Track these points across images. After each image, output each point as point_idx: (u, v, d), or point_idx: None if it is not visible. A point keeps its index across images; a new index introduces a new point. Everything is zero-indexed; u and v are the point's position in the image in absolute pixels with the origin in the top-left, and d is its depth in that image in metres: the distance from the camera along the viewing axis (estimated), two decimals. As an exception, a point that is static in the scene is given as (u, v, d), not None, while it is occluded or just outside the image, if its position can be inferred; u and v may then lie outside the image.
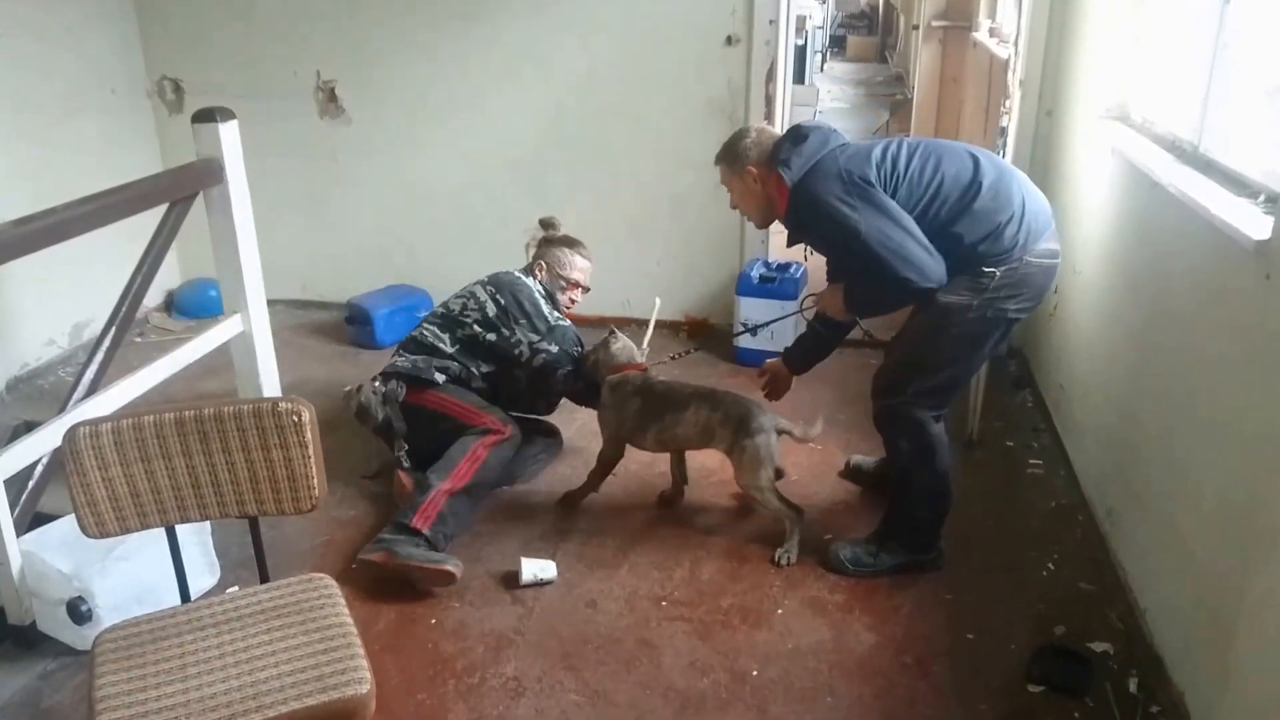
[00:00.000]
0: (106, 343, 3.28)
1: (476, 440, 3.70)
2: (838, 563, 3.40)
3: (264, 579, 2.38)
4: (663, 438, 3.65)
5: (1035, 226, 3.05)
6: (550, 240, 4.28)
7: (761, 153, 3.27)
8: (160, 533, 2.31)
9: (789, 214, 3.23)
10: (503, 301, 3.99)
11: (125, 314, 3.33)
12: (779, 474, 3.65)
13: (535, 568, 3.39)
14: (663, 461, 3.93)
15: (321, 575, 2.39)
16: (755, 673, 2.98)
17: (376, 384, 3.91)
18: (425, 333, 4.04)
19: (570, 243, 4.28)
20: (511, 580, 3.39)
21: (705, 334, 5.57)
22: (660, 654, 3.06)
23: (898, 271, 2.98)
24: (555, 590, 3.37)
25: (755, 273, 5.23)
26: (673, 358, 4.50)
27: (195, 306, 5.81)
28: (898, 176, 3.06)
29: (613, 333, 3.87)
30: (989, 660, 3.02)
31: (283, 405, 2.21)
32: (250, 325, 3.86)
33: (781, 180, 3.17)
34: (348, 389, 3.99)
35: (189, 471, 2.21)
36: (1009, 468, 4.13)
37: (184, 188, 3.53)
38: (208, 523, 3.24)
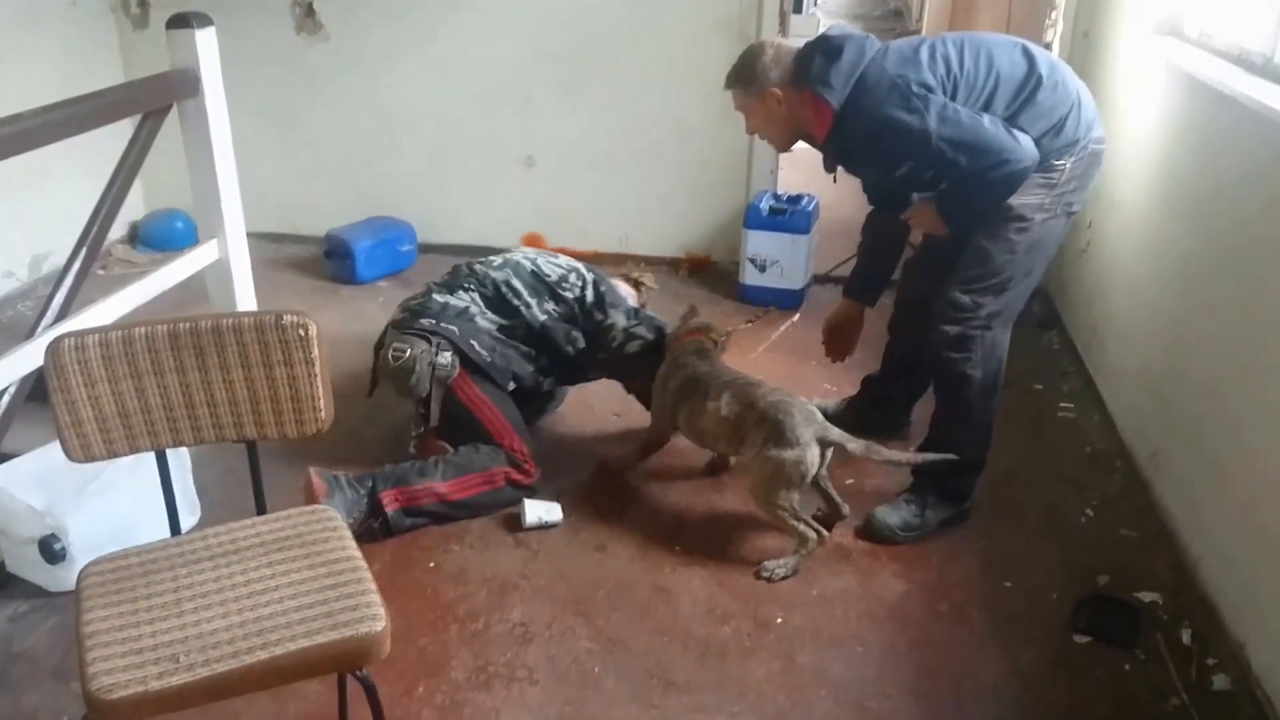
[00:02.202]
0: (77, 265, 3.15)
1: (503, 468, 3.39)
2: (886, 531, 3.22)
3: (261, 510, 2.29)
4: (693, 428, 3.37)
5: (1090, 113, 2.97)
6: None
7: (784, 71, 3.04)
8: (138, 467, 2.23)
9: (834, 138, 3.02)
10: (602, 288, 3.76)
11: (97, 234, 3.21)
12: (830, 516, 3.26)
13: (540, 510, 3.33)
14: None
15: (324, 507, 2.30)
16: (780, 620, 2.93)
17: (435, 352, 3.42)
18: (509, 290, 3.65)
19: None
20: (514, 523, 3.32)
21: (706, 272, 5.49)
22: (677, 600, 3.01)
23: (987, 161, 2.81)
24: (561, 534, 3.30)
25: (764, 205, 5.13)
26: (749, 322, 4.36)
27: (161, 239, 5.67)
28: (954, 77, 2.89)
29: (693, 308, 3.74)
30: (1030, 609, 2.98)
31: (288, 318, 2.11)
32: (227, 252, 3.73)
33: (820, 101, 2.95)
34: (396, 351, 3.42)
35: (183, 390, 2.11)
36: (1039, 411, 4.07)
37: (157, 99, 3.41)
38: (188, 459, 3.16)
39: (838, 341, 3.74)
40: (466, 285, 3.65)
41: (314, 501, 3.08)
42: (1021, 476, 3.57)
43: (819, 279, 5.27)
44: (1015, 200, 2.92)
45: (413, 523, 3.27)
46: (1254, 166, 2.86)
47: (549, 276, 3.71)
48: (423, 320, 3.48)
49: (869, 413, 3.80)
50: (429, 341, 3.42)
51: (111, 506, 2.90)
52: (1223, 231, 3.04)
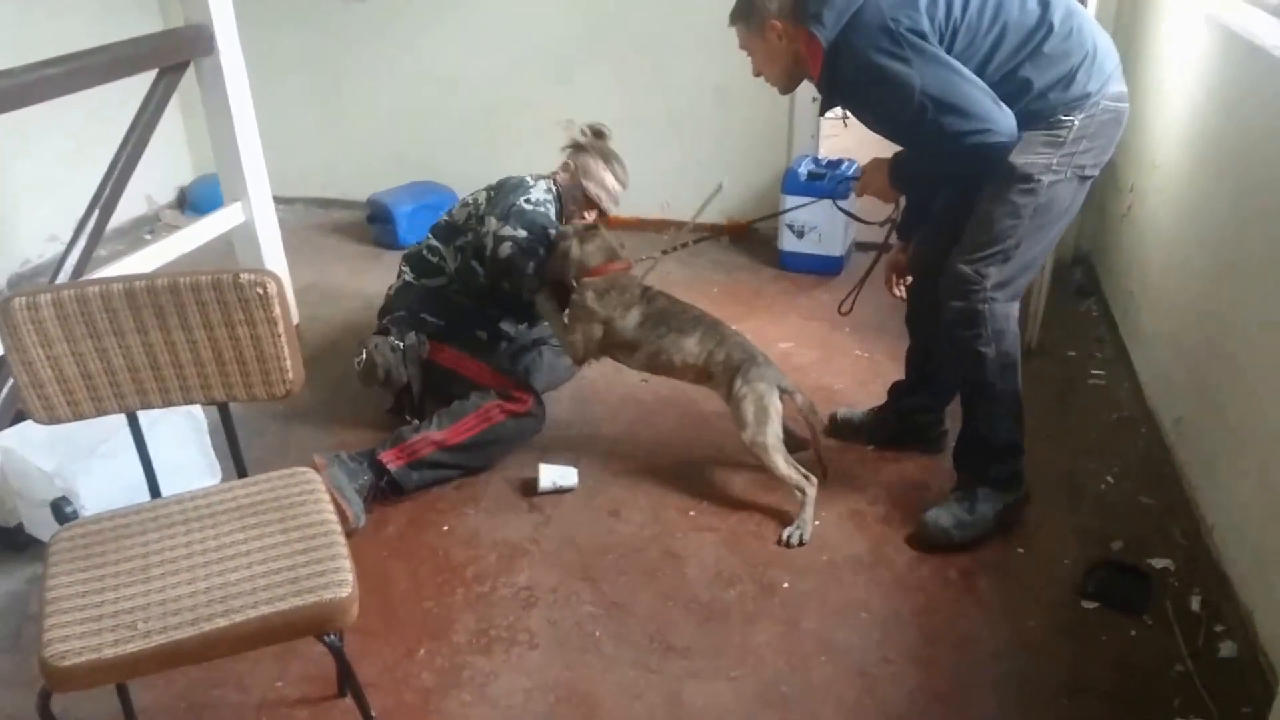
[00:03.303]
0: (89, 226, 3.11)
1: (494, 402, 3.33)
2: (940, 535, 2.96)
3: (241, 473, 2.24)
4: (656, 360, 3.26)
5: (1107, 66, 2.70)
6: (588, 146, 3.76)
7: (783, 4, 2.79)
8: (151, 430, 2.18)
9: (825, 76, 2.79)
10: (493, 195, 3.56)
11: (110, 194, 3.16)
12: (800, 443, 3.21)
13: (555, 474, 3.26)
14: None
15: (305, 470, 2.24)
16: (786, 585, 2.84)
17: (393, 340, 3.39)
18: (427, 250, 3.62)
19: (607, 155, 3.73)
20: (530, 487, 3.26)
21: (747, 240, 5.35)
22: (684, 565, 2.93)
23: (965, 127, 2.58)
24: (575, 499, 3.23)
25: (803, 169, 4.97)
26: (664, 252, 3.98)
27: (209, 203, 5.57)
28: (954, 22, 2.63)
29: (593, 225, 3.47)
30: (1039, 575, 2.87)
31: (245, 276, 2.03)
32: (252, 214, 3.68)
33: (813, 38, 2.72)
34: (361, 355, 3.39)
35: (146, 350, 2.04)
36: (1069, 378, 3.91)
37: (171, 54, 3.34)
38: (203, 420, 3.13)
39: (891, 280, 3.42)
40: (402, 266, 3.65)
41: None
42: (1045, 443, 3.39)
43: (860, 246, 5.10)
44: (1019, 159, 2.67)
45: (420, 477, 3.22)
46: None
47: (455, 219, 3.60)
48: (383, 320, 3.54)
49: (897, 424, 3.48)
50: (387, 333, 3.42)
51: (122, 468, 2.85)
52: (1251, 192, 2.85)
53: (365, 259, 5.19)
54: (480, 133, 5.55)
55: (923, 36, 2.60)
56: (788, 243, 5.01)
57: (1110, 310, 4.34)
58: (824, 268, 4.90)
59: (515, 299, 3.49)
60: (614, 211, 3.78)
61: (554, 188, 3.68)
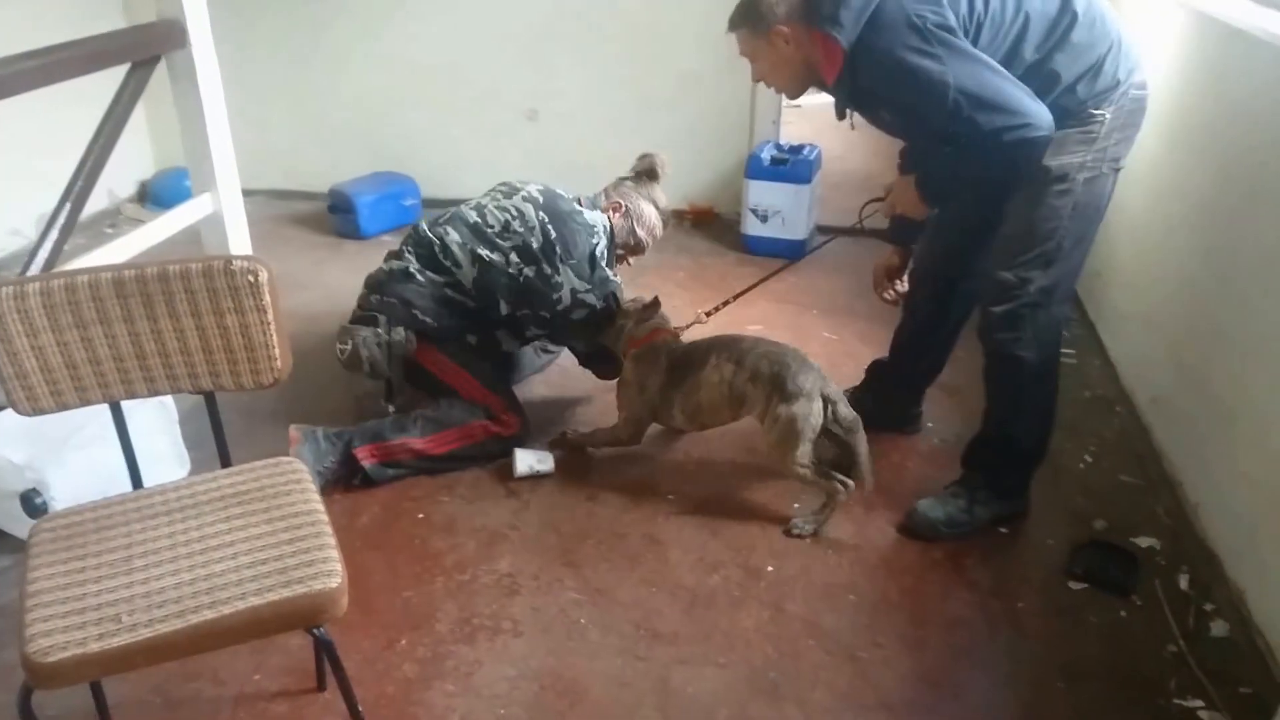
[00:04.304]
0: (61, 219, 3.02)
1: (481, 421, 3.23)
2: (928, 527, 2.88)
3: (225, 463, 2.15)
4: (688, 409, 3.08)
5: (1134, 54, 2.59)
6: (643, 181, 3.61)
7: (792, 7, 2.62)
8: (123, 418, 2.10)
9: (844, 81, 2.60)
10: (553, 235, 3.27)
11: (82, 188, 3.07)
12: (840, 457, 2.97)
13: (532, 459, 3.19)
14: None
15: (290, 459, 2.15)
16: (771, 569, 2.79)
17: (380, 332, 3.22)
18: (440, 249, 3.30)
19: (657, 199, 3.64)
20: (506, 473, 3.18)
21: (710, 224, 5.31)
22: (667, 550, 2.87)
23: (1003, 123, 2.39)
24: (553, 484, 3.17)
25: (766, 155, 4.95)
26: (708, 314, 3.66)
27: (171, 197, 5.45)
28: (977, 15, 2.47)
29: (656, 300, 3.26)
30: (1025, 556, 2.84)
31: (236, 264, 1.95)
32: (221, 206, 3.59)
33: (830, 40, 2.53)
34: (344, 343, 3.24)
35: (132, 340, 1.96)
36: (1039, 357, 3.88)
37: (142, 49, 3.26)
38: (174, 410, 3.03)
39: (883, 284, 3.28)
40: (407, 247, 3.37)
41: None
42: (1020, 422, 3.38)
43: (822, 229, 5.08)
44: (1053, 160, 2.53)
45: (395, 473, 3.15)
46: (1264, 102, 2.66)
47: (491, 227, 3.30)
48: (372, 297, 3.31)
49: (873, 405, 3.29)
50: (375, 322, 3.23)
51: (95, 459, 2.76)
52: (1232, 171, 2.84)
53: (326, 249, 5.09)
54: (443, 123, 5.47)
55: (950, 31, 2.44)
56: (751, 226, 4.99)
57: (1075, 291, 4.31)
58: (787, 251, 4.85)
59: (522, 323, 3.39)
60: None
61: (609, 227, 3.53)
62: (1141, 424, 3.33)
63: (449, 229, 3.32)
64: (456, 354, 3.30)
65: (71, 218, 3.09)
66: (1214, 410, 2.83)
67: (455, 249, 3.27)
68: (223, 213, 3.62)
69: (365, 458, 3.10)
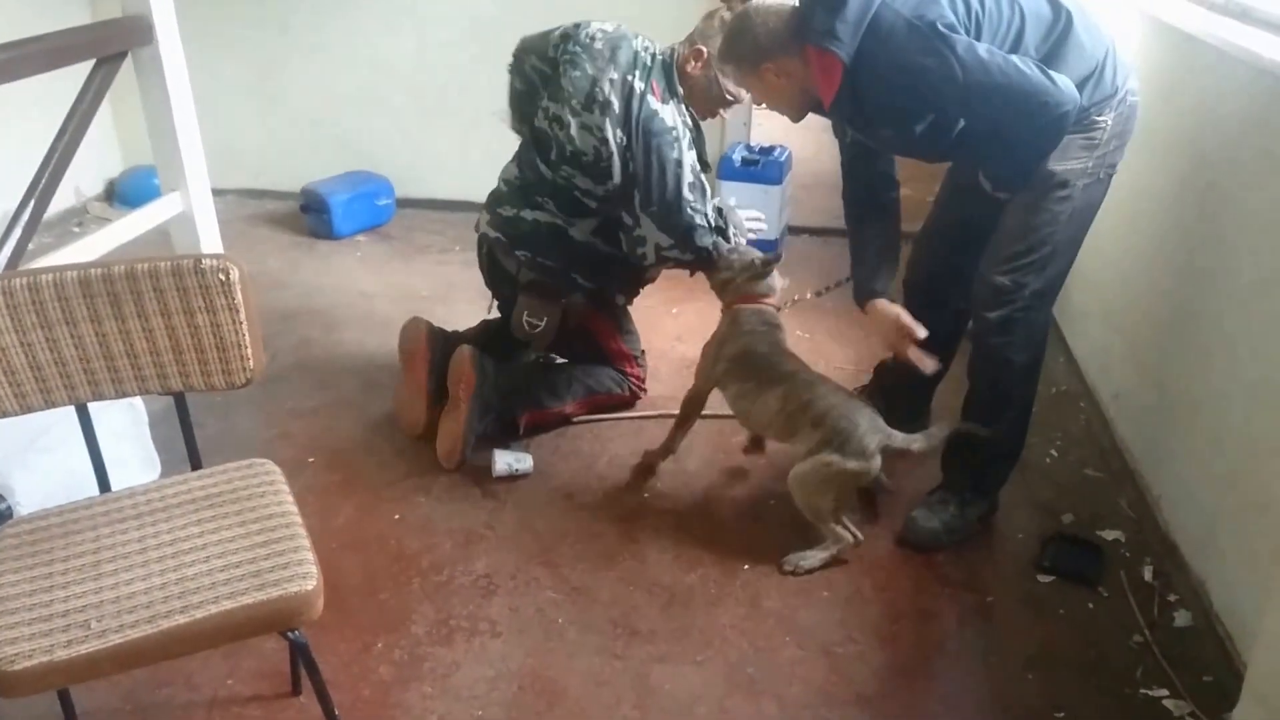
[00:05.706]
0: (25, 216, 2.93)
1: (625, 395, 3.41)
2: (929, 537, 2.80)
3: (195, 465, 2.08)
4: (739, 405, 2.95)
5: (1125, 59, 2.55)
6: (720, 22, 3.07)
7: (776, 38, 2.53)
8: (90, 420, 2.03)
9: (842, 99, 2.50)
10: (635, 164, 2.95)
11: (46, 184, 2.99)
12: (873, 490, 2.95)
13: (510, 459, 3.12)
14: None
15: (263, 460, 2.08)
16: (747, 567, 2.74)
17: (565, 302, 3.18)
18: (577, 191, 3.07)
19: None
20: (483, 473, 3.12)
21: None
22: (644, 548, 2.82)
23: (1027, 106, 2.33)
24: (530, 483, 3.10)
25: (737, 156, 4.90)
26: (818, 294, 3.89)
27: (139, 195, 5.32)
28: (975, 16, 2.40)
29: (769, 260, 3.05)
30: (995, 550, 2.83)
31: (207, 262, 1.88)
32: (190, 205, 3.51)
33: (828, 56, 2.42)
34: (531, 323, 3.20)
35: (99, 340, 1.88)
36: (1002, 354, 3.86)
37: (109, 45, 3.17)
38: (144, 412, 2.95)
39: (904, 345, 2.84)
40: (545, 197, 3.14)
41: (462, 386, 3.11)
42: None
43: (793, 230, 5.06)
44: (1057, 165, 2.48)
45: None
46: (1222, 107, 2.67)
47: (586, 155, 3.01)
48: (518, 252, 3.18)
49: (882, 408, 3.05)
50: (545, 292, 3.19)
51: (62, 462, 2.67)
52: (1190, 174, 2.83)
53: (299, 249, 4.98)
54: (417, 122, 5.35)
55: (954, 29, 2.35)
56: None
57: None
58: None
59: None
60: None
61: (683, 109, 3.09)
62: (1104, 418, 3.32)
63: (563, 166, 3.08)
64: (613, 314, 3.41)
65: (36, 215, 3.00)
66: (1173, 406, 2.83)
67: (590, 186, 3.07)
68: (192, 212, 3.54)
69: (527, 422, 3.25)
